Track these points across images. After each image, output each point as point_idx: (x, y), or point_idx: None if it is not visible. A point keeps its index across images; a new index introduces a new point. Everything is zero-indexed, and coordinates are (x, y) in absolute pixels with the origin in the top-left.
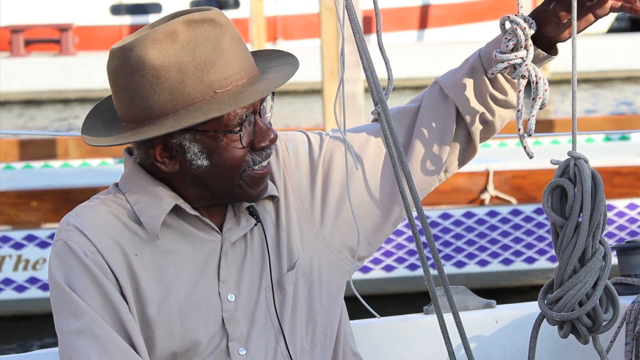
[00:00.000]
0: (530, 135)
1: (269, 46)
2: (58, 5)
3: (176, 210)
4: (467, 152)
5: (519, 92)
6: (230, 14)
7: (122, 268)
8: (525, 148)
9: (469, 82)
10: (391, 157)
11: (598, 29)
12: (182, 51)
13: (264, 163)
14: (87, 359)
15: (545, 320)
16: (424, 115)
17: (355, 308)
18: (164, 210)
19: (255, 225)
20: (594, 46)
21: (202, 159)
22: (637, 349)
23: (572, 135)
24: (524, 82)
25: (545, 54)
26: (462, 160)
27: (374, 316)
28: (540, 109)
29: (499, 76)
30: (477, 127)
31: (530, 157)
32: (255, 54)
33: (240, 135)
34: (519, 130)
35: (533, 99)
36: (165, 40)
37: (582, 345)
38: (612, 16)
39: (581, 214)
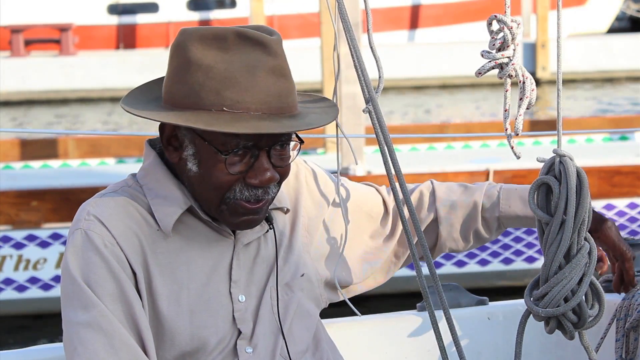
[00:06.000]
0: (517, 135)
1: None
2: (58, 5)
3: (191, 209)
4: (433, 252)
5: (506, 91)
6: (227, 13)
7: (139, 261)
8: (512, 148)
9: (464, 214)
10: (382, 155)
11: (598, 29)
12: (219, 58)
13: (253, 200)
14: (92, 351)
15: (532, 316)
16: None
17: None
18: (179, 208)
19: (268, 231)
20: (594, 46)
21: (193, 163)
22: (628, 345)
23: (557, 134)
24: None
25: None
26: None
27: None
28: (527, 108)
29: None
30: (445, 246)
31: (518, 158)
32: (307, 96)
33: (225, 159)
34: (506, 130)
35: (520, 99)
36: (211, 41)
37: (573, 342)
38: (612, 16)
39: (566, 211)
